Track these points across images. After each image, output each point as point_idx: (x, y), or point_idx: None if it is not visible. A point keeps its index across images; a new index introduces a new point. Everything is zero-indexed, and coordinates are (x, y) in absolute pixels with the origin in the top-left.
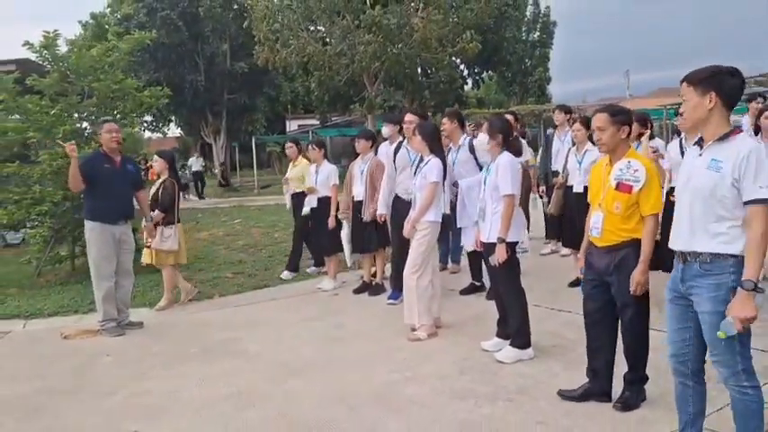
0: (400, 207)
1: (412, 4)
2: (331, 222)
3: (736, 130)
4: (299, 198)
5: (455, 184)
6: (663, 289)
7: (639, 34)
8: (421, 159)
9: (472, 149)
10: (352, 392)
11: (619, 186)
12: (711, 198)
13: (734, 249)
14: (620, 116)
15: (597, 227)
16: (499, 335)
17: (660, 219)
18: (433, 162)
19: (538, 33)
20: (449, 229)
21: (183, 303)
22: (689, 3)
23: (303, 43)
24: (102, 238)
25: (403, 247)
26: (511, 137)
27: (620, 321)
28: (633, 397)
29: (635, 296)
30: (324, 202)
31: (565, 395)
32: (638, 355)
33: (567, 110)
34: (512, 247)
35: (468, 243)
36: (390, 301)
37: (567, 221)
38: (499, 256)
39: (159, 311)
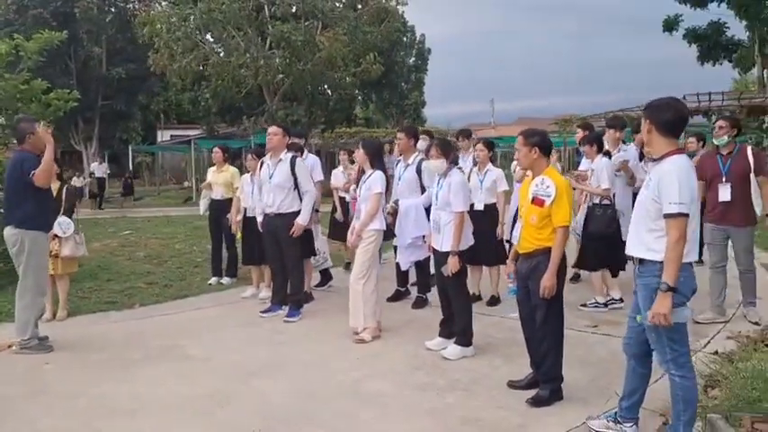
0: (267, 221)
1: (314, 23)
2: None
3: (674, 151)
4: (220, 204)
5: (396, 202)
6: None
7: (502, 66)
8: (362, 172)
9: (419, 170)
10: (319, 389)
11: (534, 200)
12: (643, 211)
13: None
14: (533, 138)
15: (516, 235)
16: (442, 334)
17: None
18: (377, 174)
19: (413, 59)
20: None
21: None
22: (545, 38)
23: (205, 53)
24: (44, 248)
25: (280, 261)
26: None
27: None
28: (545, 394)
29: (545, 299)
30: None
31: (514, 385)
32: (548, 355)
33: (468, 134)
34: (461, 255)
35: (403, 262)
36: (268, 315)
37: None
38: (452, 266)
39: (61, 321)
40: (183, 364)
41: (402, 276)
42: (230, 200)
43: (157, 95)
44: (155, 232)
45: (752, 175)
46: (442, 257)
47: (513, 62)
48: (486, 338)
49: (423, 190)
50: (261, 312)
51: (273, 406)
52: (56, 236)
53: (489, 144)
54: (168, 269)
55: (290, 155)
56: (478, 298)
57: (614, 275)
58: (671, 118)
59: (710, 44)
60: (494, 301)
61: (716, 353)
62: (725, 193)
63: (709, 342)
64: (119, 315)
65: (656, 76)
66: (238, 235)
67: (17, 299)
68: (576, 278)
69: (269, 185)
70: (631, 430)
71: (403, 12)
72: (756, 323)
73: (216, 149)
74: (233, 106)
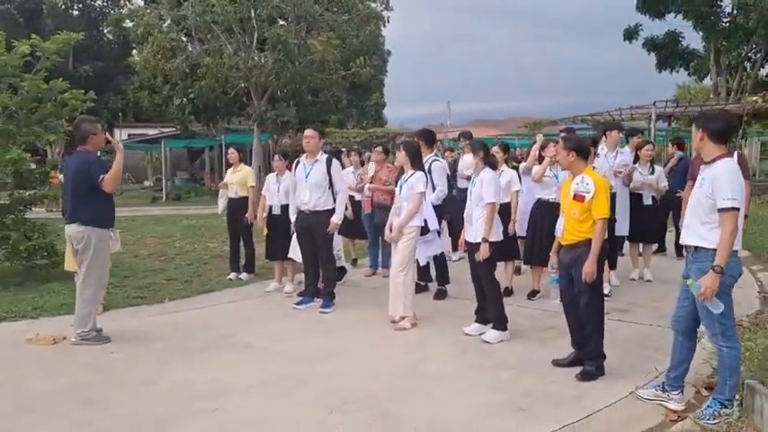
0: (302, 218)
1: (302, 25)
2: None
3: (723, 155)
4: (237, 203)
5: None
6: None
7: (457, 68)
8: (402, 172)
9: (429, 171)
10: (381, 371)
11: (575, 196)
12: (698, 206)
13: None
14: (569, 143)
15: (560, 229)
16: (477, 320)
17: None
18: (418, 175)
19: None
20: (382, 235)
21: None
22: (499, 42)
23: (196, 55)
24: (107, 245)
25: (313, 256)
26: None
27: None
28: (591, 369)
29: (588, 284)
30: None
31: (558, 363)
32: (592, 334)
33: (469, 135)
34: (493, 245)
35: (421, 257)
36: (301, 306)
37: None
38: (483, 253)
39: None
40: (244, 353)
41: (422, 271)
42: (245, 198)
43: (122, 93)
44: (148, 231)
45: None
46: (475, 248)
47: (469, 65)
48: (514, 325)
49: (434, 189)
50: (294, 304)
51: (346, 387)
52: None
53: (505, 147)
54: (179, 266)
55: (325, 156)
56: None
57: (613, 267)
58: (721, 127)
59: (668, 53)
60: (507, 292)
61: None
62: None
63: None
64: (152, 309)
65: (608, 80)
66: (264, 232)
67: (78, 292)
68: (518, 271)
69: (305, 184)
70: (678, 397)
71: (388, 17)
72: None
73: (231, 150)
74: (210, 106)
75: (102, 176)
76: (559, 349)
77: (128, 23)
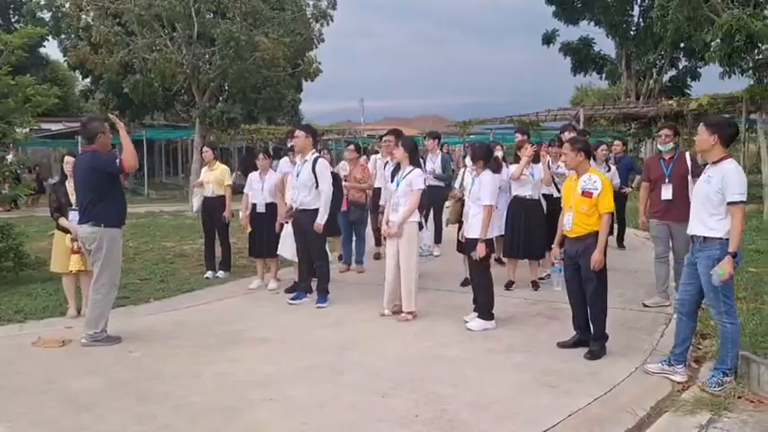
0: (295, 215)
1: (248, 21)
2: (277, 227)
3: (727, 156)
4: (214, 201)
5: None
6: None
7: (369, 67)
8: (397, 168)
9: None
10: (408, 357)
11: (583, 193)
12: (706, 200)
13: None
14: (578, 144)
15: (569, 223)
16: (476, 310)
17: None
18: (417, 172)
19: None
20: (356, 232)
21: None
22: (405, 42)
23: (139, 49)
24: (119, 244)
25: (307, 252)
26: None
27: (585, 293)
28: (597, 350)
29: (595, 273)
30: (271, 207)
31: (563, 345)
32: (599, 318)
33: (435, 135)
34: (488, 243)
35: None
36: (297, 301)
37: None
38: (479, 251)
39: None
40: (266, 346)
41: None
42: (222, 196)
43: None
44: None
45: (689, 177)
46: (471, 244)
47: (375, 62)
48: (504, 313)
49: None
50: (290, 300)
51: (383, 372)
52: None
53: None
54: (145, 266)
55: (315, 155)
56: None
57: None
58: (733, 133)
59: (581, 57)
60: None
61: None
62: (667, 193)
63: (672, 316)
64: (140, 309)
65: (507, 80)
66: (248, 230)
67: (91, 293)
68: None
69: (296, 182)
70: (682, 370)
71: (331, 16)
72: None
73: (206, 149)
74: (142, 102)
75: (118, 160)
76: (555, 332)
77: (44, 13)
